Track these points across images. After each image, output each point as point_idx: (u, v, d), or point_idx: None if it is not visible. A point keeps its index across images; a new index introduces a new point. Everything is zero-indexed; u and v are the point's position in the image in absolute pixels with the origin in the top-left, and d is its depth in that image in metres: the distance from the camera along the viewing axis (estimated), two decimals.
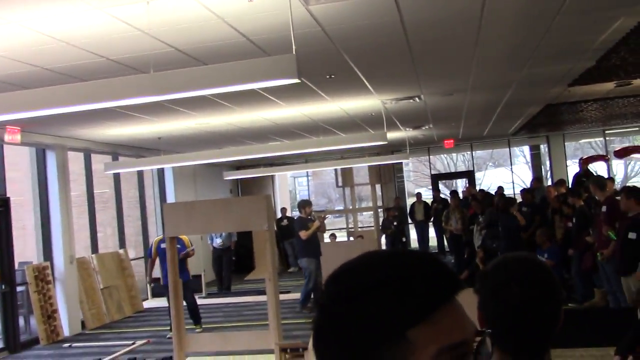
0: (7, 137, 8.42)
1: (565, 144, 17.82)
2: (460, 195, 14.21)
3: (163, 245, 8.74)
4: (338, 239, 14.30)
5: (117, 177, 12.43)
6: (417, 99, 9.18)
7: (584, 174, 12.04)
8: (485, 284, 1.44)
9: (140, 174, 13.40)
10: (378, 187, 16.79)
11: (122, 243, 12.31)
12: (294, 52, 3.84)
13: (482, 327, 1.44)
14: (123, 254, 11.88)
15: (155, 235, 13.81)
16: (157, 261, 9.31)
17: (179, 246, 8.89)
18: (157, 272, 9.68)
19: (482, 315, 1.43)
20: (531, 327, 1.38)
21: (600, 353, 5.85)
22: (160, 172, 14.03)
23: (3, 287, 9.06)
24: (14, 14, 4.28)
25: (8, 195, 9.46)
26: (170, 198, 13.82)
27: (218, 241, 12.88)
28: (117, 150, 11.74)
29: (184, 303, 8.93)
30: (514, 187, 18.36)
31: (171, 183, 14.11)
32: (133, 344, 8.81)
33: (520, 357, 1.40)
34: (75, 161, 11.40)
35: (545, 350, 1.41)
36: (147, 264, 8.87)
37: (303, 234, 10.23)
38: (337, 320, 0.77)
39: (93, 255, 11.12)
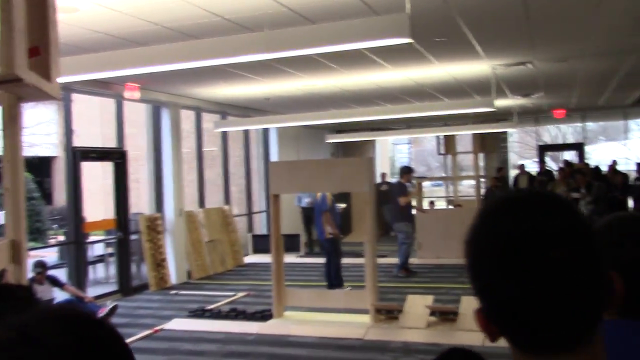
0: (127, 94, 8.91)
1: None
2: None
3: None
4: (436, 207, 14.17)
5: (224, 135, 12.86)
6: (528, 64, 8.82)
7: None
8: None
9: (246, 134, 13.80)
10: (481, 156, 16.40)
11: (227, 199, 12.80)
12: (407, 11, 3.81)
13: None
14: (227, 210, 12.36)
15: (258, 193, 14.27)
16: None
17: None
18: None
19: None
20: (639, 287, 1.34)
21: None
22: (266, 132, 14.38)
23: (119, 234, 9.69)
24: None
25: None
26: (274, 158, 14.16)
27: (307, 200, 12.93)
28: (225, 109, 12.13)
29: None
30: (627, 163, 17.41)
31: (275, 143, 14.44)
32: (234, 295, 9.21)
33: (626, 317, 1.37)
34: (187, 119, 11.90)
35: None
36: (322, 219, 8.97)
37: (402, 200, 10.24)
38: None
39: (200, 210, 11.64)
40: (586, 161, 16.58)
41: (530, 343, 0.82)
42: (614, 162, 14.17)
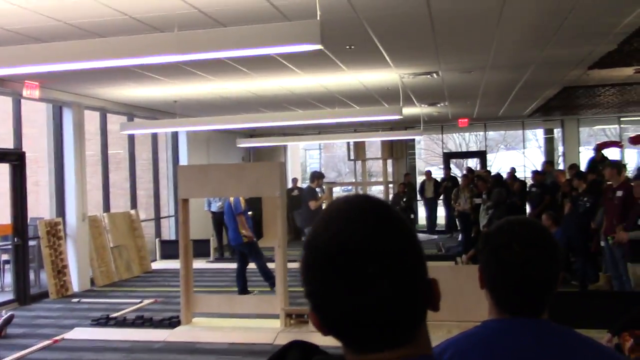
0: (25, 92, 8.47)
1: (580, 129, 17.71)
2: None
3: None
4: None
5: (131, 138, 12.50)
6: (435, 74, 9.14)
7: (599, 159, 11.97)
8: (488, 244, 1.47)
9: (154, 137, 13.46)
10: (389, 162, 16.81)
11: (133, 204, 12.43)
12: (318, 18, 3.84)
13: (482, 287, 1.48)
14: (134, 215, 12.01)
15: (166, 198, 13.95)
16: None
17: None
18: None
19: (483, 276, 1.47)
20: (531, 287, 1.41)
21: (601, 335, 5.89)
22: (175, 135, 14.10)
23: (16, 240, 9.19)
24: None
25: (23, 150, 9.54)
26: (183, 162, 13.89)
27: (218, 204, 12.68)
28: (132, 111, 11.79)
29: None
30: (525, 171, 18.36)
31: (185, 147, 14.18)
32: (141, 302, 8.95)
33: (518, 317, 1.43)
34: (91, 121, 11.46)
35: (542, 312, 1.43)
36: (237, 221, 8.82)
37: (312, 204, 10.32)
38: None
39: (105, 214, 11.24)
40: (488, 168, 17.33)
41: (355, 344, 0.88)
42: (513, 170, 14.88)
